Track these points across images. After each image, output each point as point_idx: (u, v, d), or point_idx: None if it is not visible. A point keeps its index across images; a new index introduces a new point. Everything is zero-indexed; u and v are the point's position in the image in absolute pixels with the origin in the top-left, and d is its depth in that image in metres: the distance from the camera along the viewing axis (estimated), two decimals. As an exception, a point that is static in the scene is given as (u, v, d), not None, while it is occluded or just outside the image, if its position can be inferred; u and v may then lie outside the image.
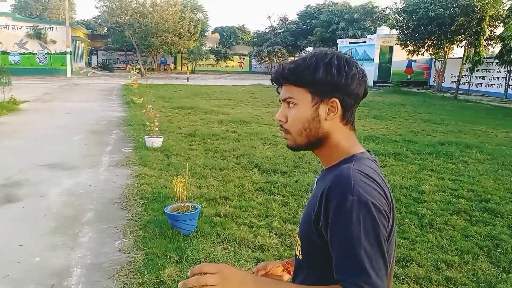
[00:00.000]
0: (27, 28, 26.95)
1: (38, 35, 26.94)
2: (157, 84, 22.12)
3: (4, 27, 26.44)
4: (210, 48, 41.07)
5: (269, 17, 55.92)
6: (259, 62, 42.33)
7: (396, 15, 23.27)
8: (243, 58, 45.66)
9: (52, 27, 27.67)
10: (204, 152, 6.93)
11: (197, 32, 31.21)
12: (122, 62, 41.38)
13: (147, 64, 33.14)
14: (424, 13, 20.63)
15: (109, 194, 4.68)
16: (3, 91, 11.78)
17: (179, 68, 43.82)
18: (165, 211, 3.62)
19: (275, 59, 41.78)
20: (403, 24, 22.58)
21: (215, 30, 50.24)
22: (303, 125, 1.03)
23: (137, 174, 5.41)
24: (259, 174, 5.61)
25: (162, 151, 6.77)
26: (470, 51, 19.37)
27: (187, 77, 27.05)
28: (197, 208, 3.67)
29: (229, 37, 50.05)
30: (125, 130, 8.80)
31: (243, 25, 52.46)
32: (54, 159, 6.19)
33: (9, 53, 26.71)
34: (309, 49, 46.05)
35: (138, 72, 25.49)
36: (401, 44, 23.06)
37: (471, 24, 19.72)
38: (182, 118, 10.68)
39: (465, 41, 21.68)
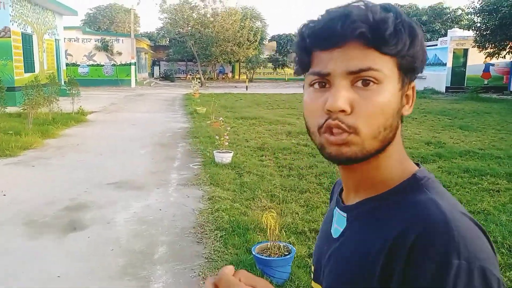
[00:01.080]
0: (95, 41, 28.13)
1: (105, 47, 28.01)
2: (217, 93, 21.98)
3: (75, 40, 27.78)
4: (268, 56, 40.79)
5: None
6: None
7: (472, 15, 21.34)
8: (301, 66, 44.90)
9: (119, 39, 28.67)
10: (278, 169, 6.24)
11: (256, 40, 30.97)
12: (182, 72, 42.27)
13: (207, 73, 33.42)
14: (507, 11, 18.68)
15: (181, 222, 4.10)
16: (72, 102, 11.95)
17: (236, 76, 44.02)
18: (254, 253, 2.93)
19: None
20: (481, 24, 20.67)
21: (272, 38, 49.97)
22: (386, 121, 0.62)
23: (210, 196, 4.81)
24: (347, 199, 4.80)
25: (232, 167, 6.17)
26: None
27: (246, 86, 26.77)
28: (292, 251, 2.95)
29: (286, 45, 49.47)
30: (191, 142, 8.36)
31: (300, 32, 51.67)
32: (121, 176, 5.79)
33: (79, 65, 27.99)
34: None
35: (198, 82, 25.65)
36: (478, 47, 21.11)
37: None
38: (247, 129, 10.12)
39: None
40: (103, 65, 28.47)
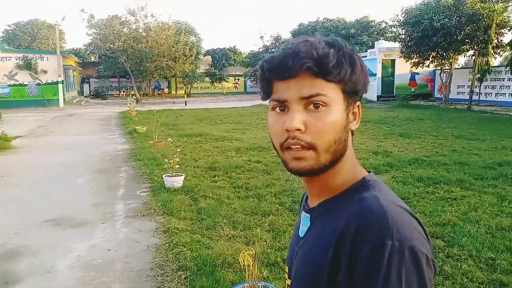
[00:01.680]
0: (16, 59, 25.95)
1: (28, 66, 25.94)
2: (156, 110, 21.12)
3: (-8, 59, 25.44)
4: (204, 71, 40.42)
5: (261, 36, 55.04)
6: (255, 82, 41.71)
7: (398, 27, 22.68)
8: (238, 79, 45.13)
9: (43, 57, 26.70)
10: (234, 190, 5.88)
11: (192, 55, 30.52)
12: (115, 89, 40.49)
13: (142, 89, 32.21)
14: (428, 24, 20.07)
15: (136, 263, 3.59)
16: (-7, 127, 10.70)
17: (173, 92, 43.07)
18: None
19: (271, 78, 41.20)
20: (406, 36, 22.02)
21: (207, 53, 49.78)
22: (336, 136, 0.75)
23: (165, 229, 4.33)
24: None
25: (185, 192, 5.71)
26: (481, 60, 18.70)
27: (185, 101, 26.13)
28: (275, 292, 2.61)
29: (221, 59, 49.60)
30: (135, 166, 7.73)
31: (234, 46, 52.05)
32: (58, 212, 5.09)
33: (-1, 86, 25.63)
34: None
35: (134, 99, 24.57)
36: (405, 57, 22.45)
37: (478, 33, 19.15)
38: (193, 147, 9.64)
39: (471, 50, 21.14)
40: (27, 84, 26.31)
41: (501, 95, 20.42)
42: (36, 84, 26.46)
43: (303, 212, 0.86)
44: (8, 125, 12.62)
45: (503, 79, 20.15)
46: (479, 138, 10.17)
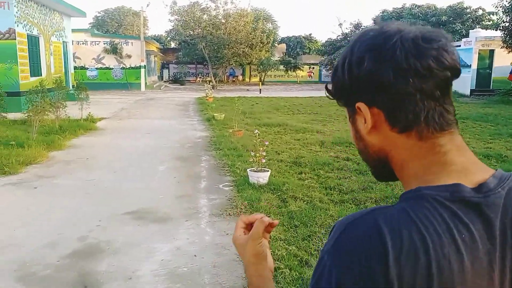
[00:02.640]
0: (104, 44, 27.30)
1: (114, 50, 27.18)
2: (230, 97, 21.00)
3: (83, 43, 26.97)
4: (279, 59, 39.79)
5: (340, 24, 53.22)
6: (331, 71, 40.29)
7: (501, 14, 20.12)
8: (313, 68, 43.93)
9: (128, 42, 27.81)
10: (326, 192, 5.19)
11: (269, 42, 29.99)
12: (192, 75, 41.42)
13: (218, 76, 32.45)
14: (541, 9, 17.51)
15: (226, 276, 3.08)
16: (81, 108, 11.01)
17: (247, 79, 43.08)
18: None
19: (348, 68, 39.51)
20: (510, 24, 19.48)
21: (282, 41, 49.04)
22: (357, 146, 0.73)
23: (255, 234, 3.78)
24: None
25: (272, 190, 5.15)
26: None
27: (260, 89, 25.77)
28: None
29: (296, 47, 48.58)
30: (215, 155, 7.34)
31: (310, 34, 50.69)
32: (140, 202, 4.79)
33: (87, 68, 27.17)
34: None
35: (210, 85, 24.74)
36: (507, 47, 19.91)
37: None
38: (273, 138, 9.08)
39: None
40: (112, 68, 27.63)
41: None
42: (121, 68, 27.67)
43: None
44: (94, 106, 13.03)
45: None
46: None
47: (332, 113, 14.20)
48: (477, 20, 30.05)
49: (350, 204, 4.71)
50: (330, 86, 0.71)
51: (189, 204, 4.76)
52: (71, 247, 3.58)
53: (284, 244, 3.55)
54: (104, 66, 27.55)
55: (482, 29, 26.93)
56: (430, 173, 0.64)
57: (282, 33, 48.92)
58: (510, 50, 20.01)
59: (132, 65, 27.44)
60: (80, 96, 11.41)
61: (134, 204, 4.69)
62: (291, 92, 26.23)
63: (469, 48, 23.09)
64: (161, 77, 39.38)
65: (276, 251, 3.37)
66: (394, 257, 0.56)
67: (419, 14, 31.33)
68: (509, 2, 19.34)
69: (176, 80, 36.84)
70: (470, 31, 26.07)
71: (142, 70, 27.09)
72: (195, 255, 3.42)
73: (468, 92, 22.55)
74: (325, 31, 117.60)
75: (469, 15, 30.32)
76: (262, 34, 29.74)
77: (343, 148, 7.99)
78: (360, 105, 0.66)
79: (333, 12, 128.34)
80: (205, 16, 28.89)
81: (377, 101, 0.65)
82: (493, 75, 23.01)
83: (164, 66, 41.06)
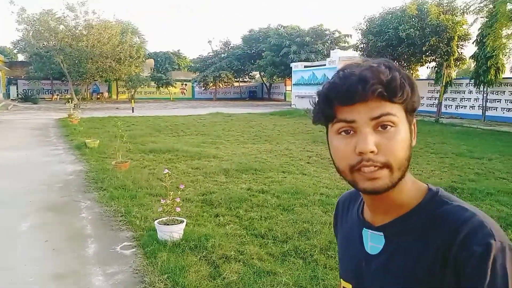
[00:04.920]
0: None
1: None
2: (99, 118, 18.58)
3: None
4: (149, 74, 37.74)
5: (209, 41, 53.91)
6: (204, 88, 39.82)
7: (361, 36, 22.12)
8: (185, 84, 42.96)
9: (-39, 53, 22.84)
10: (258, 242, 4.17)
11: (139, 57, 27.96)
12: (47, 92, 36.55)
13: (80, 93, 28.92)
14: (393, 33, 19.67)
15: None
16: None
17: (114, 96, 39.84)
18: None
19: (221, 85, 39.60)
20: (368, 45, 21.52)
21: (150, 56, 46.99)
22: (405, 153, 0.79)
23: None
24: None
25: (192, 249, 3.91)
26: (448, 71, 18.56)
27: (132, 107, 23.64)
28: None
29: (164, 63, 47.06)
30: (99, 199, 5.71)
31: (178, 50, 49.85)
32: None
33: None
34: (255, 73, 44.62)
35: (73, 104, 21.68)
36: (366, 66, 21.93)
37: (441, 45, 19.06)
38: (167, 169, 7.72)
39: (433, 62, 21.10)
40: None
41: (462, 108, 20.49)
42: (-48, 85, 22.55)
43: (367, 229, 0.89)
44: None
45: (464, 92, 20.23)
46: (483, 156, 9.30)
47: (220, 133, 13.34)
48: (335, 41, 32.97)
49: (295, 258, 3.78)
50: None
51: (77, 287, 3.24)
52: None
53: None
54: None
55: (340, 49, 29.56)
56: (415, 179, 0.88)
57: (149, 48, 46.71)
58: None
59: (-32, 81, 22.58)
60: None
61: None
62: (166, 110, 24.68)
63: (333, 67, 24.84)
64: (7, 95, 33.68)
65: None
66: None
67: (285, 34, 32.99)
68: (366, 26, 21.37)
69: (27, 98, 31.85)
70: (331, 51, 28.29)
71: (-18, 86, 22.46)
72: None
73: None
74: (194, 47, 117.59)
75: (328, 37, 33.08)
76: (130, 48, 27.57)
77: (251, 176, 7.11)
78: (415, 121, 0.85)
79: (201, 29, 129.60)
80: (61, 26, 25.50)
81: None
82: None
83: (11, 82, 35.36)
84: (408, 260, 0.81)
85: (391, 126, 0.77)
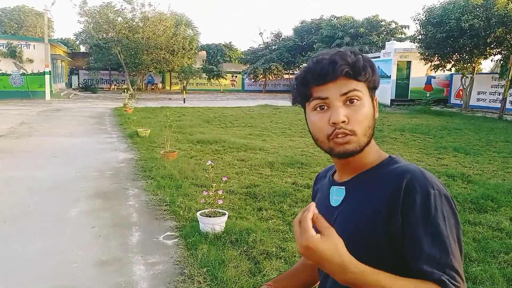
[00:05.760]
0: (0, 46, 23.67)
1: (12, 53, 23.66)
2: (152, 108, 19.15)
3: (-29, 45, 23.10)
4: (201, 66, 38.37)
5: (261, 33, 53.66)
6: (254, 80, 39.86)
7: (418, 27, 20.96)
8: (235, 76, 43.23)
9: (29, 44, 24.42)
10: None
11: (192, 48, 28.46)
12: (106, 82, 38.23)
13: (136, 84, 30.02)
14: (455, 24, 18.44)
15: None
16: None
17: (167, 87, 40.94)
18: None
19: (270, 77, 39.45)
20: (427, 36, 20.35)
21: (202, 48, 47.76)
22: (369, 123, 0.97)
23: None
24: None
25: (234, 243, 3.84)
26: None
27: (184, 98, 24.14)
28: None
29: (216, 55, 47.61)
30: (147, 188, 5.80)
31: (230, 42, 50.15)
32: (40, 280, 3.18)
33: (-21, 74, 23.30)
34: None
35: (128, 94, 22.54)
36: (425, 59, 20.79)
37: (508, 36, 17.63)
38: (213, 160, 7.74)
39: (498, 55, 19.62)
40: (10, 74, 24.03)
41: (528, 104, 18.90)
42: (21, 74, 24.19)
43: (333, 186, 1.06)
44: (-16, 122, 10.58)
45: (532, 87, 18.61)
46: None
47: (267, 125, 13.25)
48: (391, 32, 31.63)
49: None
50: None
51: (118, 277, 3.27)
52: None
53: None
54: (0, 72, 23.84)
55: (396, 41, 28.28)
56: (379, 149, 1.06)
57: (202, 40, 47.56)
58: (426, 61, 20.95)
59: (35, 71, 24.11)
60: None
61: (40, 276, 3.07)
62: (216, 102, 24.98)
63: (388, 59, 23.88)
64: (69, 84, 35.67)
65: None
66: None
67: (338, 25, 32.11)
68: (425, 16, 20.21)
69: (87, 88, 33.53)
70: (386, 43, 27.16)
71: (47, 76, 23.89)
72: None
73: (388, 102, 23.25)
74: (245, 39, 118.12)
75: (383, 28, 31.80)
76: (183, 40, 28.13)
77: (297, 170, 6.94)
78: (376, 97, 1.02)
79: (252, 21, 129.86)
80: (119, 19, 26.51)
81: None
82: (410, 86, 24.05)
83: (73, 72, 37.36)
84: (362, 207, 0.96)
85: (357, 100, 0.94)
